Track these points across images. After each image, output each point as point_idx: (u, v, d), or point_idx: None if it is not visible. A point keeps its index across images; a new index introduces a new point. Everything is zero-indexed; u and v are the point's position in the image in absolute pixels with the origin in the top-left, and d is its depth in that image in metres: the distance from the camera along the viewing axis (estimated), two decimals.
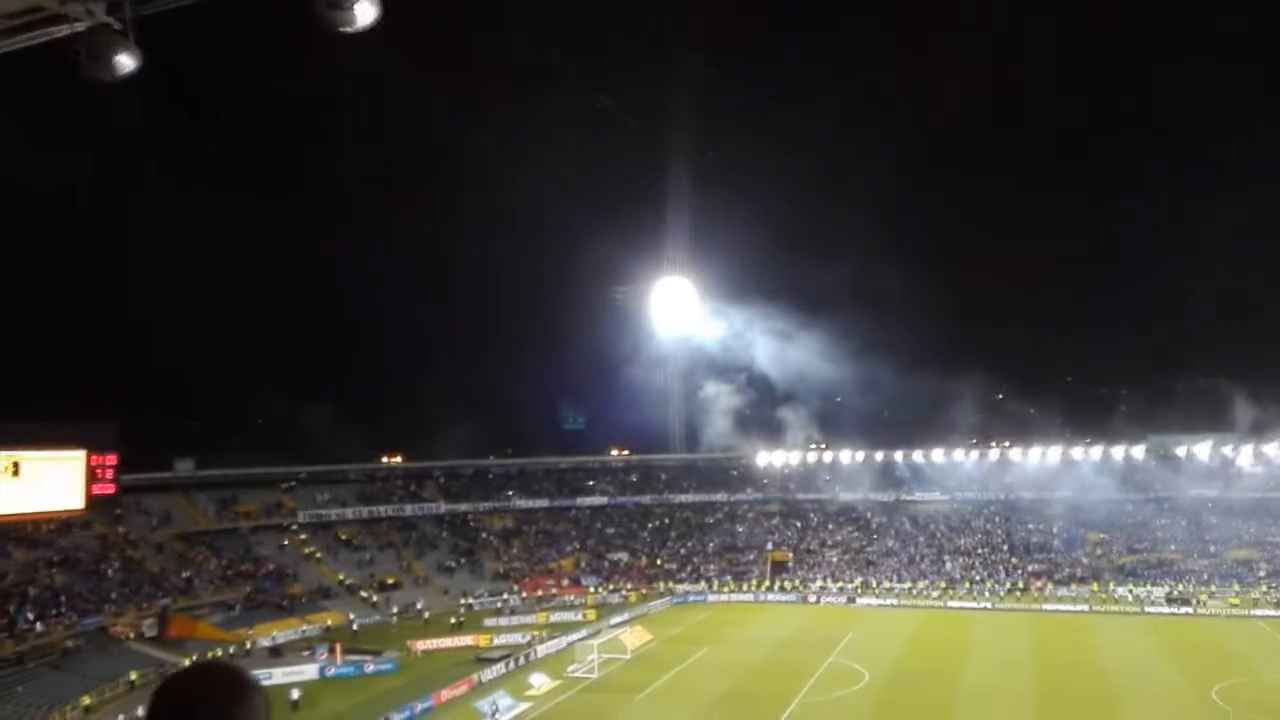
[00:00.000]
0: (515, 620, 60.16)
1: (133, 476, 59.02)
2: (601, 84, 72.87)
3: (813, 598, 69.02)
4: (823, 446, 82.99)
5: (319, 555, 68.06)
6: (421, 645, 51.84)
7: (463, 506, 79.22)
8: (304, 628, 57.26)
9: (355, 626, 57.81)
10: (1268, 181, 71.42)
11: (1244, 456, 74.54)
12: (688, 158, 77.25)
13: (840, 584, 70.59)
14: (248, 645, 52.07)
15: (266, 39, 51.32)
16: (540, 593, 68.78)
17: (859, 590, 69.36)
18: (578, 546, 77.36)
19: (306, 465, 74.80)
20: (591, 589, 70.10)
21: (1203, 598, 63.25)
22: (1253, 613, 60.34)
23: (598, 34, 68.43)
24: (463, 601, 64.46)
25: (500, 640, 53.43)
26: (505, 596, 67.81)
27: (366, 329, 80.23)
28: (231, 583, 60.15)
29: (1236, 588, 64.18)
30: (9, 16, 7.84)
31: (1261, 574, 65.72)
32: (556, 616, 61.13)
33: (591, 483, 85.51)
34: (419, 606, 62.84)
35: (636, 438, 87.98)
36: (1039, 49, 74.24)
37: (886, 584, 70.30)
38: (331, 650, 49.45)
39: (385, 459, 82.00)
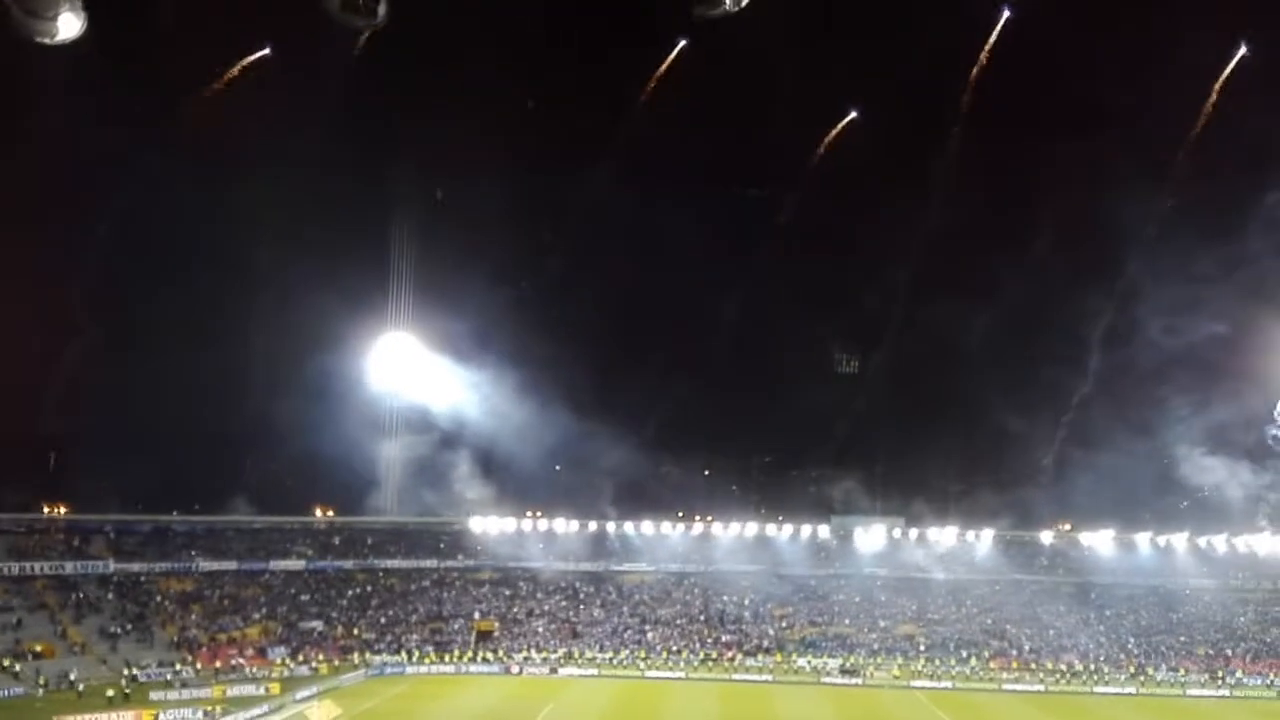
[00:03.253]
0: (188, 694, 54.55)
1: None
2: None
3: (516, 668, 68.21)
4: (538, 515, 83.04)
5: None
6: None
7: (136, 566, 71.33)
8: None
9: None
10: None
11: (911, 538, 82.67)
12: (417, 213, 76.58)
13: (544, 654, 70.29)
14: None
15: None
16: (219, 664, 62.97)
17: (562, 660, 69.40)
18: (267, 613, 71.83)
19: None
20: (278, 660, 65.24)
21: (870, 669, 68.90)
22: (912, 684, 66.42)
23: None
24: (126, 672, 57.68)
25: (167, 716, 48.29)
26: (178, 667, 61.37)
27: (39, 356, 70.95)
28: None
29: (900, 660, 70.48)
30: None
31: (922, 648, 72.69)
32: (236, 690, 56.05)
33: (289, 544, 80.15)
34: (72, 677, 55.51)
35: (343, 497, 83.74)
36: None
37: (590, 654, 70.86)
38: None
39: (46, 509, 72.65)
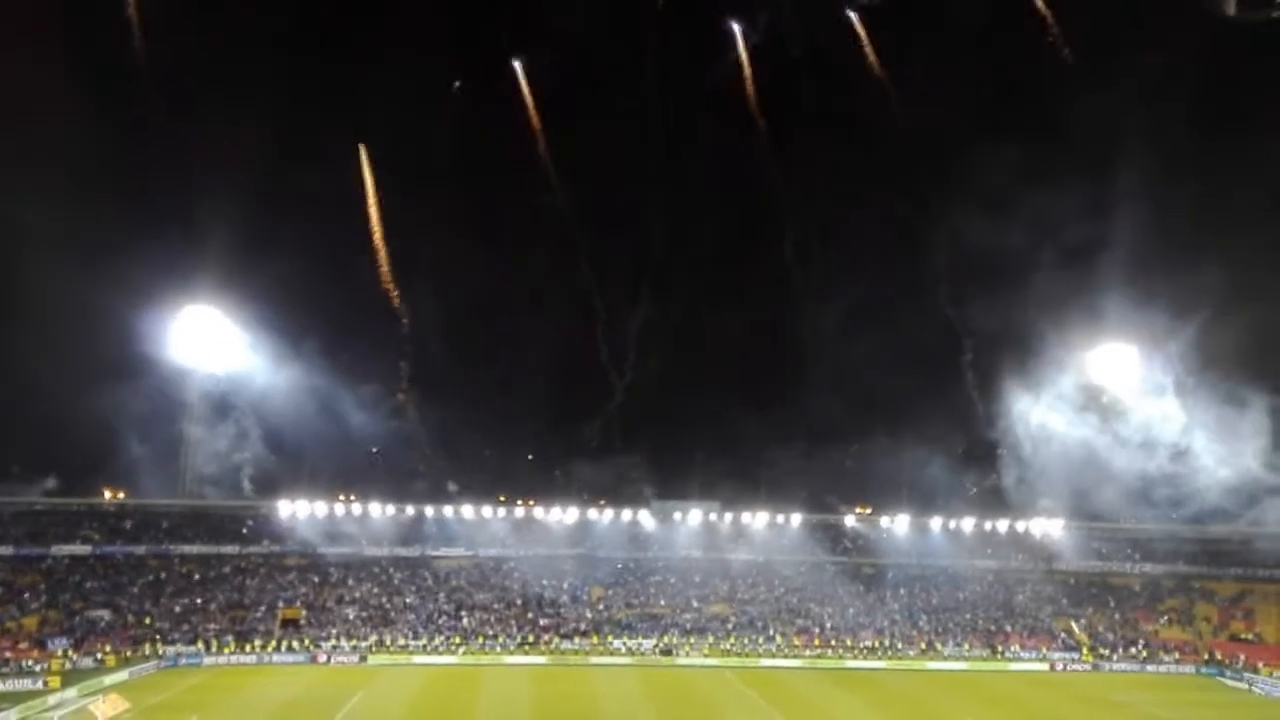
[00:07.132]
0: None
1: None
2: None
3: (324, 657, 65.88)
4: (351, 499, 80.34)
5: None
6: None
7: None
8: None
9: None
10: None
11: (726, 522, 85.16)
12: (234, 181, 72.38)
13: (354, 642, 68.16)
14: None
15: None
16: None
17: (373, 648, 67.54)
18: (47, 602, 66.36)
19: None
20: (59, 652, 60.39)
21: (684, 649, 70.63)
22: (722, 663, 68.56)
23: None
24: None
25: None
26: None
27: None
28: None
29: (711, 640, 72.55)
30: None
31: (730, 627, 75.05)
32: (9, 684, 51.73)
33: (74, 528, 74.22)
34: None
35: (136, 479, 78.13)
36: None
37: (402, 640, 69.25)
38: None
39: None
